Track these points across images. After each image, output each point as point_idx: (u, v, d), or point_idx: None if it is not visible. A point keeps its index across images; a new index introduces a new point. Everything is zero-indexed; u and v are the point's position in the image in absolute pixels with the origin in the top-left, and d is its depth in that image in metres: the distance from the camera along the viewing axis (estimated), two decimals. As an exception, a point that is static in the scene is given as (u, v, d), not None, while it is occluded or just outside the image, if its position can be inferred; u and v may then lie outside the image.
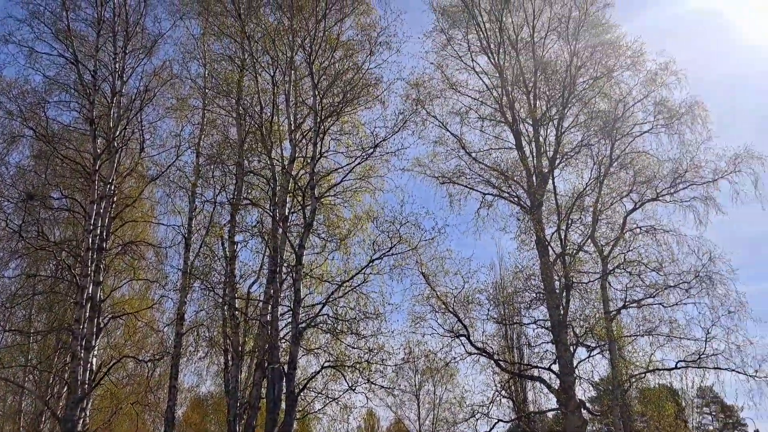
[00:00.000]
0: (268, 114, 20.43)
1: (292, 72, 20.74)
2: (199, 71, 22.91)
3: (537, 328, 20.24)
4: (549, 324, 19.59)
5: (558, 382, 18.80)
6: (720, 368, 18.49)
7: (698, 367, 18.62)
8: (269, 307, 18.59)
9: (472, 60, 23.04)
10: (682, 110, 21.77)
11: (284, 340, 18.74)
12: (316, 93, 19.97)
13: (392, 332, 18.80)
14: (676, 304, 19.65)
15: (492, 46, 22.95)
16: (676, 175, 21.23)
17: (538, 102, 22.84)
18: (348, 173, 20.14)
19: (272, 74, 20.64)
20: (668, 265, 20.18)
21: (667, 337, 19.40)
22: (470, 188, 22.66)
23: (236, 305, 20.07)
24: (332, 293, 19.15)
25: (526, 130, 22.63)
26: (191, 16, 23.18)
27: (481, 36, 22.99)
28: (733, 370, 18.29)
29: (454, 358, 19.51)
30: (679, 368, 18.83)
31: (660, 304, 19.73)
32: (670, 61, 21.91)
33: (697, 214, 21.18)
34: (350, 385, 18.09)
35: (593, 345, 19.55)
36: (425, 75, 22.64)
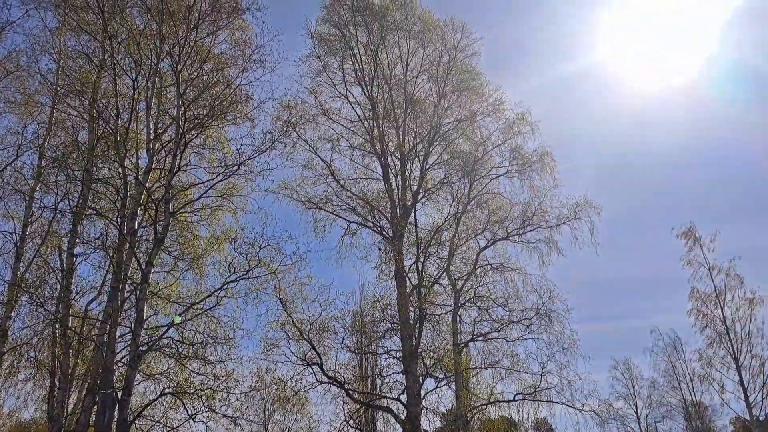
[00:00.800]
0: (125, 120, 19.27)
1: (157, 79, 19.84)
2: (51, 67, 21.20)
3: (389, 358, 20.68)
4: (401, 354, 20.09)
5: (405, 412, 19.25)
6: (552, 401, 20.02)
7: (533, 400, 19.99)
8: (107, 327, 17.26)
9: (346, 89, 23.55)
10: (533, 158, 23.77)
11: (121, 364, 17.46)
12: (181, 103, 19.21)
13: (241, 359, 18.18)
14: (518, 339, 21.07)
15: (366, 78, 23.65)
16: (525, 217, 23.00)
17: (406, 137, 23.77)
18: (208, 189, 19.42)
19: (134, 78, 19.55)
20: (513, 301, 21.68)
21: (508, 370, 20.68)
22: (336, 215, 22.92)
23: (69, 323, 18.37)
24: (179, 315, 18.20)
25: (394, 163, 23.42)
26: (47, 7, 21.48)
27: (357, 67, 23.62)
28: (563, 403, 19.88)
29: (305, 387, 19.32)
30: (517, 400, 20.10)
31: (504, 338, 21.04)
32: (526, 112, 23.97)
33: (541, 255, 23.05)
34: (190, 413, 17.15)
35: (441, 376, 20.28)
36: (298, 98, 22.75)
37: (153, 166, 19.06)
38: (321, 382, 19.27)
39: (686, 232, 26.98)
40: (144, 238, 18.95)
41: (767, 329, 24.05)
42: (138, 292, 17.20)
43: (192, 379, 18.07)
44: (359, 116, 23.55)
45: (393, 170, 23.17)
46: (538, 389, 19.97)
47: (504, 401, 20.23)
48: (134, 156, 19.43)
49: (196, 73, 19.82)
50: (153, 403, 17.52)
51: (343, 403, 20.47)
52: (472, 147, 24.25)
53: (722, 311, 24.67)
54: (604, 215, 23.03)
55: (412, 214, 22.59)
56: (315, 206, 22.35)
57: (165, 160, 19.60)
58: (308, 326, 19.39)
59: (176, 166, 18.46)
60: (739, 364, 24.24)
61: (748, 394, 25.04)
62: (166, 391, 17.56)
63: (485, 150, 24.08)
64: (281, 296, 19.26)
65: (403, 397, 19.50)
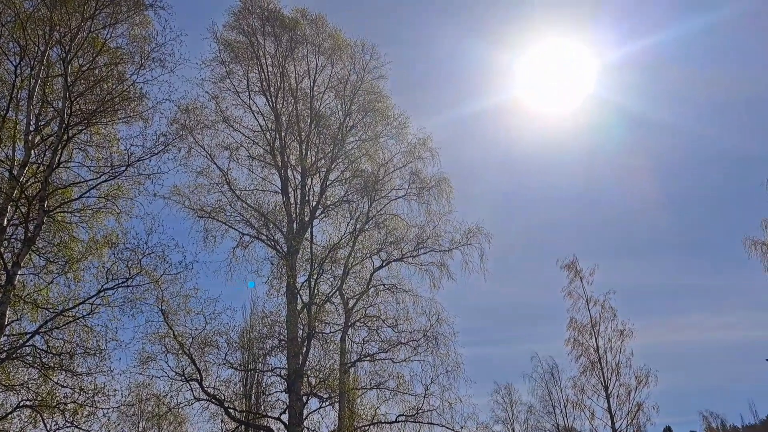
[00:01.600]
0: (3, 107, 18.02)
1: (43, 68, 18.74)
2: None
3: (273, 375, 20.45)
4: (286, 372, 19.93)
5: (286, 432, 19.09)
6: (433, 423, 20.61)
7: (415, 422, 20.45)
8: (-40, 332, 15.87)
9: (250, 98, 23.36)
10: (431, 183, 24.59)
11: (-25, 373, 16.11)
12: (68, 96, 18.24)
13: (113, 371, 17.26)
14: (405, 361, 21.54)
15: (272, 89, 23.58)
16: (420, 240, 23.70)
17: (309, 152, 23.89)
18: (90, 189, 18.48)
19: (16, 64, 18.37)
20: (403, 322, 22.17)
21: (393, 391, 21.06)
22: (229, 226, 22.54)
23: None
24: (47, 322, 17.07)
25: (294, 177, 23.44)
26: None
27: (263, 77, 23.50)
28: (444, 426, 20.50)
29: (181, 404, 18.66)
30: (399, 422, 20.47)
31: (391, 359, 21.44)
32: (428, 138, 24.80)
33: (432, 278, 23.78)
34: (49, 429, 16.05)
35: (326, 396, 20.30)
36: (198, 102, 22.29)
37: (30, 160, 17.91)
38: (199, 399, 18.69)
39: (569, 264, 28.96)
40: (12, 236, 17.68)
41: (634, 360, 26.24)
42: (1, 295, 15.99)
43: (56, 392, 16.96)
44: (261, 127, 23.41)
45: (292, 184, 23.18)
46: (420, 411, 20.46)
47: (386, 422, 20.55)
48: (10, 147, 18.18)
49: (87, 66, 18.92)
50: (7, 417, 16.28)
51: (222, 421, 19.96)
52: (374, 167, 24.73)
53: (596, 341, 26.62)
54: (495, 243, 24.19)
55: (309, 230, 22.65)
56: (207, 215, 21.87)
57: (44, 154, 18.48)
58: (190, 340, 18.81)
59: (56, 161, 17.46)
60: (608, 392, 26.21)
61: (615, 421, 27.02)
62: (25, 403, 16.36)
63: (386, 171, 24.63)
64: (163, 307, 18.57)
65: (285, 417, 19.33)
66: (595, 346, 26.90)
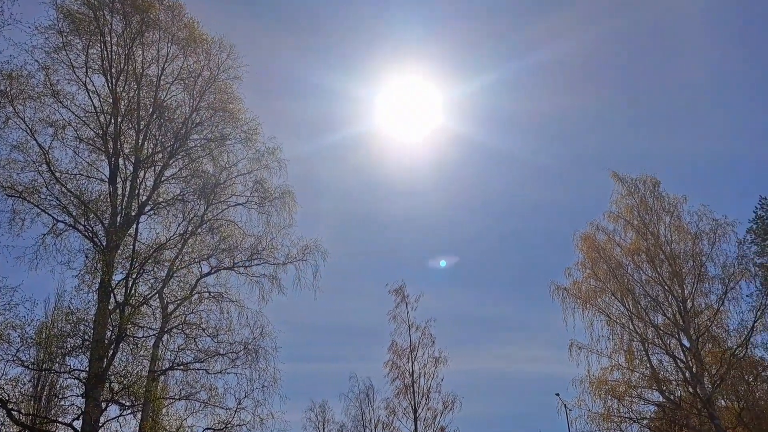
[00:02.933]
0: None
1: None
2: None
3: (70, 378, 19.26)
4: (85, 375, 18.88)
5: (77, 440, 18.03)
6: (242, 437, 20.63)
7: (221, 436, 20.37)
8: None
9: (87, 76, 21.96)
10: (275, 195, 24.86)
11: None
12: None
13: None
14: (221, 372, 21.41)
15: (114, 70, 22.44)
16: (255, 251, 23.82)
17: (147, 143, 23.01)
18: None
19: None
20: (224, 333, 22.06)
21: (204, 403, 20.81)
22: (42, 209, 20.87)
23: None
24: None
25: (126, 167, 22.40)
26: None
27: (105, 56, 22.28)
28: (251, 440, 20.63)
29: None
30: (205, 435, 20.27)
31: (206, 370, 21.19)
32: (277, 148, 25.07)
33: (263, 291, 23.99)
34: None
35: (128, 404, 19.53)
36: (25, 71, 20.53)
37: None
38: (-25, 398, 17.09)
39: (397, 289, 30.66)
40: None
41: (444, 386, 28.39)
42: None
43: None
44: (96, 108, 22.07)
45: (122, 174, 22.14)
46: (229, 425, 20.43)
47: (192, 435, 20.24)
48: None
49: None
50: None
51: (2, 424, 18.36)
52: (217, 170, 24.44)
53: (412, 365, 28.42)
54: (334, 262, 25.00)
55: (135, 226, 21.76)
56: (18, 195, 20.16)
57: None
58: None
59: None
60: (417, 415, 28.02)
61: (421, 443, 28.90)
62: None
63: (229, 176, 24.47)
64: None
65: (78, 423, 18.27)
66: (411, 370, 28.68)
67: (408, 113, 46.21)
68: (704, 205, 29.63)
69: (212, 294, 22.91)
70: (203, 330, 21.75)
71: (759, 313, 27.88)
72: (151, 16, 22.95)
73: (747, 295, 28.64)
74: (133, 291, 20.65)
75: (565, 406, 28.66)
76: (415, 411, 27.77)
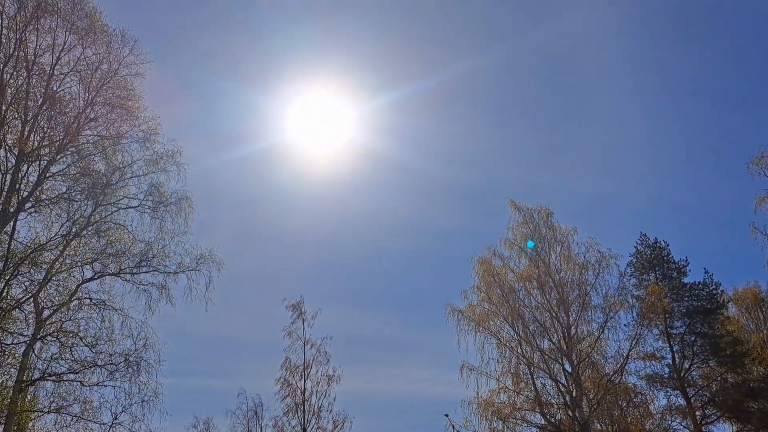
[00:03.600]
0: None
1: None
2: None
3: None
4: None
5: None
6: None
7: (93, 452, 19.42)
8: None
9: (-31, 58, 20.59)
10: (171, 200, 24.11)
11: None
12: None
13: None
14: (97, 385, 20.43)
15: (2, 54, 21.14)
16: (144, 257, 22.96)
17: (33, 135, 21.78)
18: None
19: None
20: (104, 343, 21.08)
21: (76, 417, 19.77)
22: None
23: None
24: None
25: (7, 159, 21.08)
26: None
27: (-9, 39, 20.98)
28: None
29: None
30: (74, 451, 19.24)
31: (80, 381, 20.15)
32: (177, 151, 24.36)
33: (150, 300, 23.05)
34: None
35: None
36: None
37: None
38: None
39: (294, 304, 30.42)
40: None
41: (336, 404, 28.42)
42: None
43: None
44: (-22, 92, 20.71)
45: (3, 167, 20.82)
46: (103, 440, 19.54)
47: (59, 451, 19.15)
48: None
49: None
50: None
51: None
52: (109, 169, 23.51)
53: (305, 383, 28.26)
54: (227, 274, 24.47)
55: (12, 223, 20.48)
56: None
57: None
58: None
59: None
60: (305, 434, 27.95)
61: (307, 463, 28.71)
62: None
63: (122, 176, 23.59)
64: None
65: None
66: (303, 387, 28.51)
67: (318, 127, 46.46)
68: (592, 238, 31.84)
69: (94, 301, 21.82)
70: (81, 339, 20.71)
71: (634, 342, 30.26)
72: (49, 1, 21.85)
73: (624, 325, 31.01)
74: (5, 293, 19.42)
75: (453, 426, 29.53)
76: (304, 429, 27.62)
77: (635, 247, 39.26)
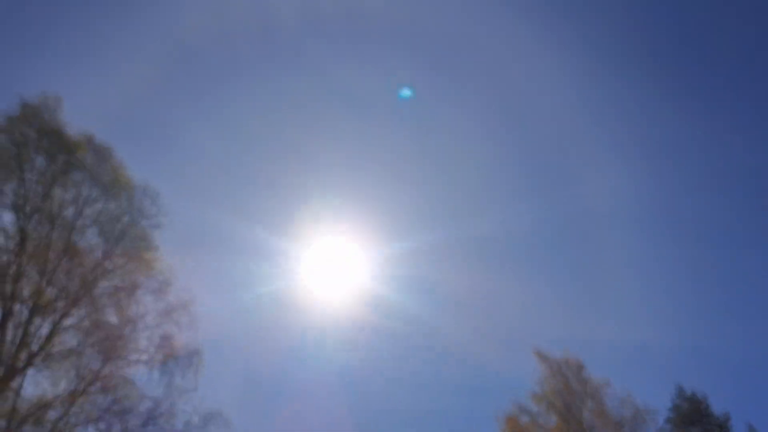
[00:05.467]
0: None
1: None
2: None
3: None
4: None
5: None
6: None
7: None
8: None
9: (-3, 212, 21.91)
10: (182, 353, 24.30)
11: None
12: None
13: None
14: None
15: (28, 208, 22.50)
16: (151, 416, 22.74)
17: (50, 288, 22.54)
18: None
19: None
20: None
21: None
22: None
23: None
24: None
25: (21, 313, 21.67)
26: None
27: (21, 192, 22.44)
28: None
29: None
30: None
31: None
32: (190, 302, 24.92)
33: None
34: None
35: None
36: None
37: None
38: None
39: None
40: None
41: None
42: None
43: None
44: (0, 247, 21.78)
45: (15, 320, 21.36)
46: None
47: None
48: None
49: None
50: None
51: None
52: (122, 321, 23.95)
53: None
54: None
55: (19, 379, 20.63)
56: None
57: None
58: None
59: None
60: None
61: None
62: None
63: (134, 329, 23.99)
64: None
65: None
66: None
67: (332, 271, 47.53)
68: (627, 392, 31.12)
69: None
70: None
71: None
72: (78, 157, 23.60)
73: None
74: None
75: None
76: None
77: (672, 401, 38.10)
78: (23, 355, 20.92)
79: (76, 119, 24.30)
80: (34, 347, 21.38)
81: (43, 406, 20.54)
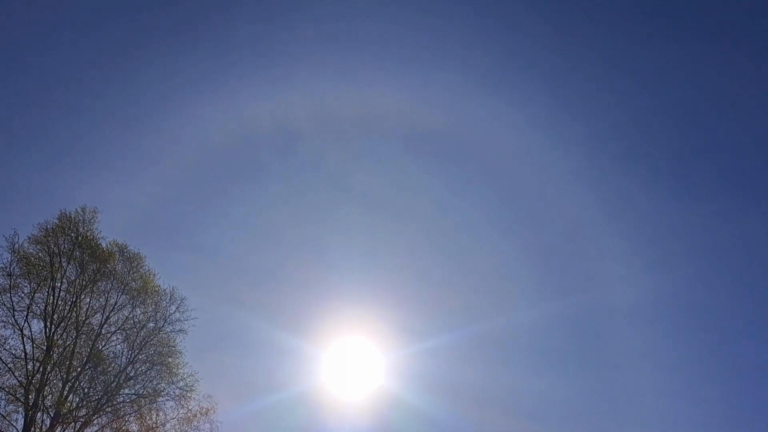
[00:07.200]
0: None
1: None
2: None
3: None
4: None
5: None
6: None
7: None
8: None
9: (26, 321, 21.88)
10: (203, 461, 23.50)
11: None
12: None
13: None
14: None
15: (56, 316, 22.51)
16: None
17: (72, 395, 22.20)
18: None
19: None
20: None
21: None
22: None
23: None
24: None
25: (43, 422, 21.24)
26: None
27: (50, 301, 22.52)
28: None
29: None
30: None
31: None
32: (211, 408, 24.36)
33: None
34: None
35: None
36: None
37: None
38: None
39: None
40: None
41: None
42: None
43: None
44: (26, 354, 21.65)
45: (37, 429, 20.90)
46: None
47: None
48: None
49: None
50: None
51: None
52: (142, 429, 23.37)
53: None
54: None
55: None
56: None
57: None
58: None
59: None
60: None
61: None
62: None
63: (157, 439, 23.35)
64: None
65: None
66: None
67: (351, 372, 46.64)
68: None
69: None
70: None
71: None
72: (109, 266, 23.86)
73: None
74: None
75: None
76: None
77: None
78: (43, 467, 20.32)
79: (104, 224, 24.76)
80: (54, 458, 20.79)
81: None
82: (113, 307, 24.07)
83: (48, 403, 21.67)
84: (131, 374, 23.66)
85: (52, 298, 22.54)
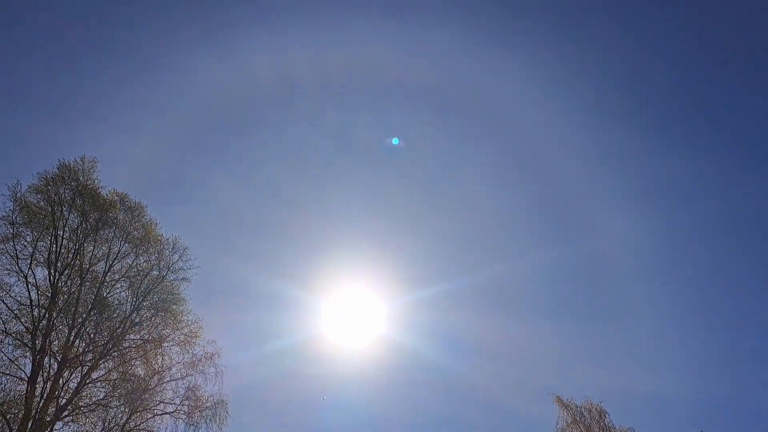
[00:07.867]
0: None
1: None
2: None
3: None
4: None
5: None
6: None
7: None
8: None
9: (30, 268, 22.00)
10: (207, 404, 23.89)
11: None
12: None
13: None
14: None
15: (59, 264, 22.61)
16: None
17: (78, 341, 22.45)
18: None
19: None
20: None
21: None
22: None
23: None
24: None
25: (50, 366, 21.54)
26: None
27: (53, 249, 22.60)
28: None
29: None
30: None
31: None
32: (216, 353, 24.66)
33: None
34: None
35: None
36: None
37: None
38: None
39: None
40: None
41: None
42: None
43: None
44: (32, 301, 21.83)
45: (45, 374, 21.21)
46: None
47: None
48: None
49: None
50: None
51: None
52: (149, 373, 23.71)
53: None
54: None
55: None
56: None
57: None
58: None
59: None
60: None
61: None
62: None
63: (161, 380, 23.72)
64: None
65: None
66: None
67: (352, 320, 47.15)
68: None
69: None
70: None
71: None
72: (110, 215, 23.84)
73: None
74: None
75: None
76: None
77: (699, 450, 36.52)
78: (52, 409, 20.69)
79: (105, 175, 24.68)
80: (63, 400, 21.14)
81: (69, 460, 20.12)
82: (116, 256, 24.15)
83: (54, 348, 21.91)
84: (136, 321, 23.88)
85: (55, 246, 22.60)
